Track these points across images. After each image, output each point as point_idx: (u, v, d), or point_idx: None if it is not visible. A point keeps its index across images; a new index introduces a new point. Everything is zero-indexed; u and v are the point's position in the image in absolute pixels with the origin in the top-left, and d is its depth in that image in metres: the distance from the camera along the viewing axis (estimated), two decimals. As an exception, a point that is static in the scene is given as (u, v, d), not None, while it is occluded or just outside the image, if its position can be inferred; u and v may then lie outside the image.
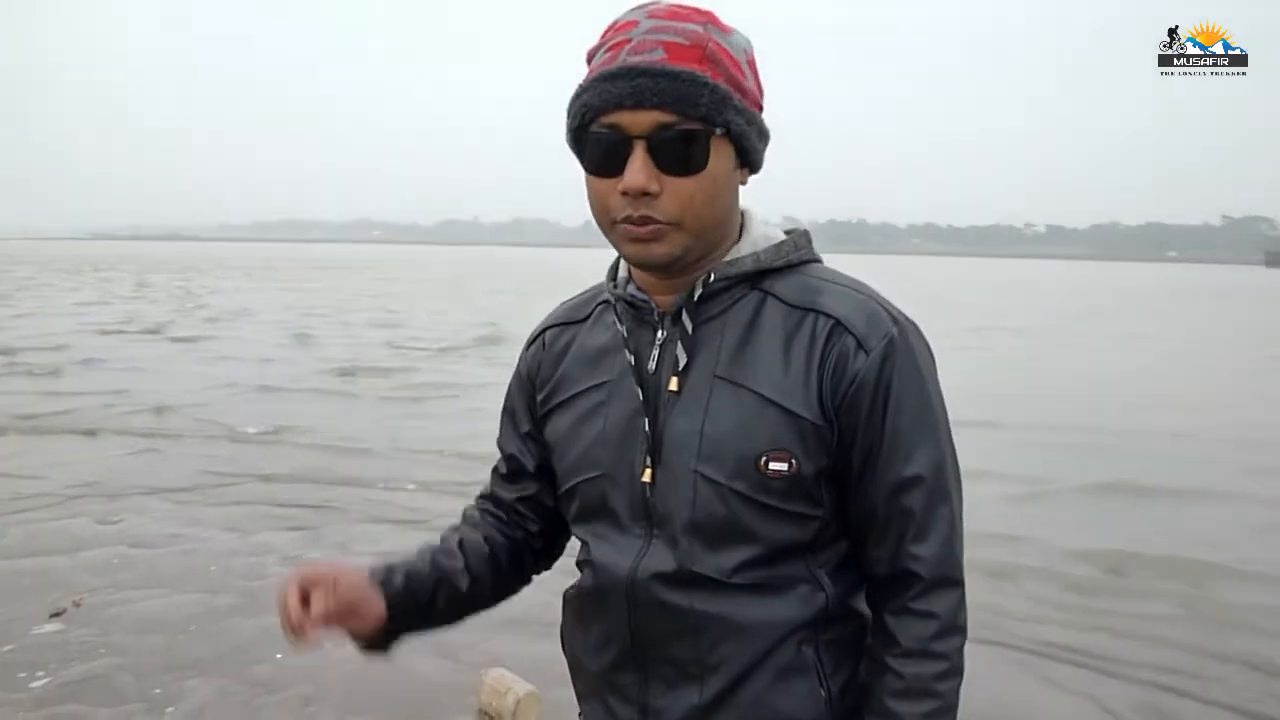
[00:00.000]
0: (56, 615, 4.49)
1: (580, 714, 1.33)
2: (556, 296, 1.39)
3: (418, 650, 4.13)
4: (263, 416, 9.49)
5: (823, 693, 1.15)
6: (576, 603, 1.28)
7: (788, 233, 1.22)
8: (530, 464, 1.32)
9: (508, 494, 1.36)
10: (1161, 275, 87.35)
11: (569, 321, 1.29)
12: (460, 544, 1.31)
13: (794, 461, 1.10)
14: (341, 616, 1.14)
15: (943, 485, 1.14)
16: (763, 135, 1.15)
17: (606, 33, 1.12)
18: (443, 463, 7.81)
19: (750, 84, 1.12)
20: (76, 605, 4.60)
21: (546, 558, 1.42)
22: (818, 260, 1.21)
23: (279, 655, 4.13)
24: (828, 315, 1.12)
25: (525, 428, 1.32)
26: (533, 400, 1.30)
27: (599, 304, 1.27)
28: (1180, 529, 6.60)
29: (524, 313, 24.08)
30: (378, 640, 1.24)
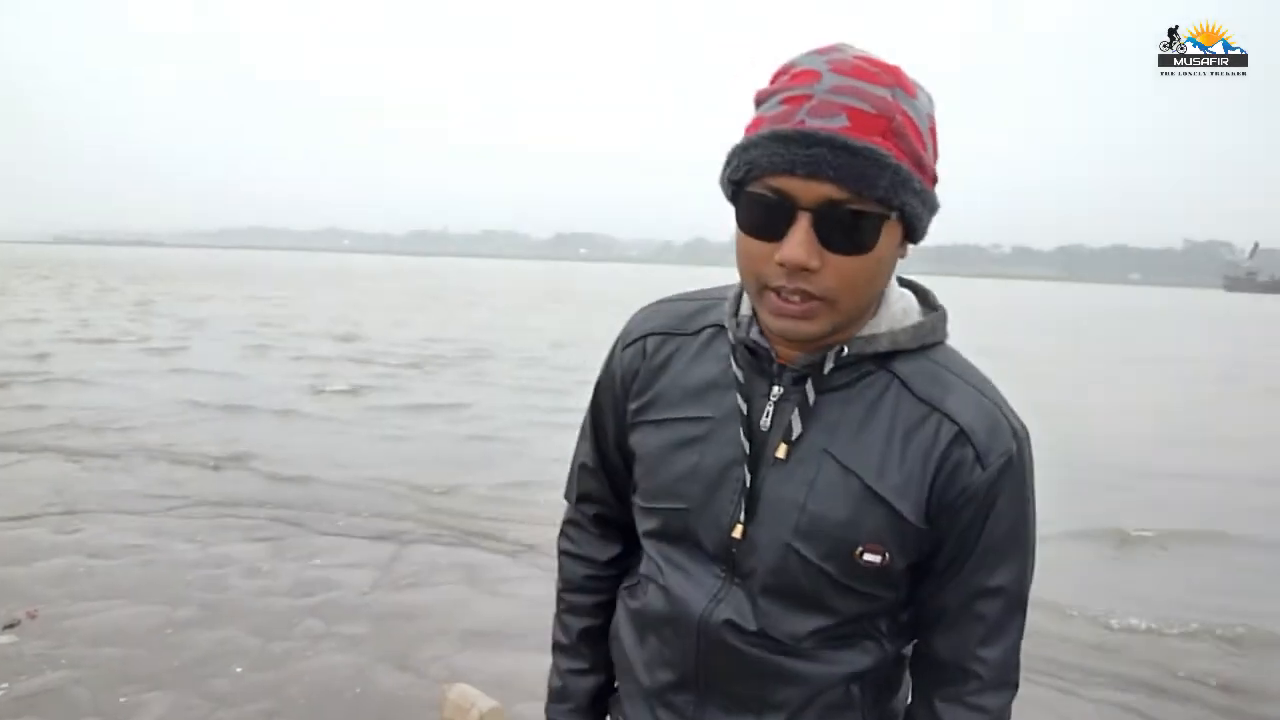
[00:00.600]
0: (10, 627, 4.40)
1: (617, 713, 1.36)
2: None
3: (381, 665, 4.16)
4: (222, 434, 9.36)
5: None
6: (640, 618, 1.27)
7: (925, 311, 1.17)
8: (619, 459, 1.31)
9: (601, 490, 1.36)
10: (1137, 298, 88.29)
11: (674, 332, 1.24)
12: (580, 638, 1.41)
13: (888, 555, 1.10)
14: None
15: (1020, 597, 1.15)
16: (933, 211, 1.07)
17: (781, 77, 1.04)
18: (392, 490, 7.72)
19: (929, 158, 1.05)
20: (31, 617, 4.51)
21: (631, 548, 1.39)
22: (945, 342, 1.17)
23: (239, 669, 4.07)
24: (952, 421, 1.09)
25: (612, 430, 1.30)
26: (623, 405, 1.27)
27: (710, 326, 1.21)
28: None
29: (504, 327, 24.11)
30: None
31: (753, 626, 1.14)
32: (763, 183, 1.01)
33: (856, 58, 1.01)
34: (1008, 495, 1.10)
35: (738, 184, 1.04)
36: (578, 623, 1.40)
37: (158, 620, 4.59)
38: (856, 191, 0.97)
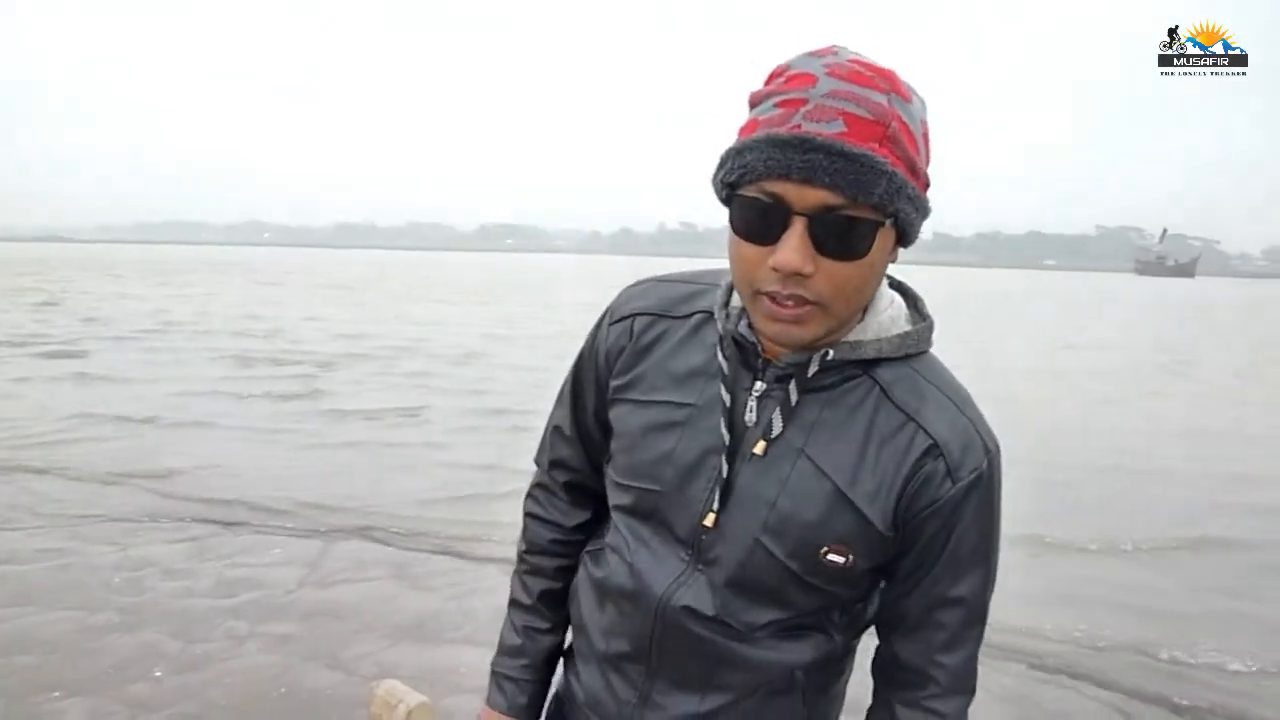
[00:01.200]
0: (-84, 637, 4.24)
1: (570, 669, 1.39)
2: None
3: (308, 664, 4.10)
4: (132, 448, 9.10)
5: (804, 710, 1.24)
6: (601, 587, 1.28)
7: (914, 319, 1.19)
8: (596, 431, 1.33)
9: (572, 457, 1.38)
10: (1054, 282, 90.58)
11: (663, 314, 1.24)
12: (541, 598, 1.41)
13: (851, 558, 1.13)
14: None
15: (981, 609, 1.18)
16: (926, 215, 1.08)
17: (776, 79, 1.04)
18: (316, 495, 7.60)
19: (923, 163, 1.06)
20: (-62, 626, 4.36)
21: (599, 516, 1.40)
22: (929, 351, 1.19)
23: (159, 673, 3.98)
24: (927, 433, 1.10)
25: (591, 401, 1.31)
26: (605, 380, 1.28)
27: (701, 311, 1.22)
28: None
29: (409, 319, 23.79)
30: None
31: (710, 612, 1.17)
32: (758, 186, 1.01)
33: (853, 61, 1.01)
34: (974, 510, 1.12)
35: (731, 186, 1.04)
36: (539, 584, 1.41)
37: (73, 625, 4.46)
38: (852, 198, 0.98)
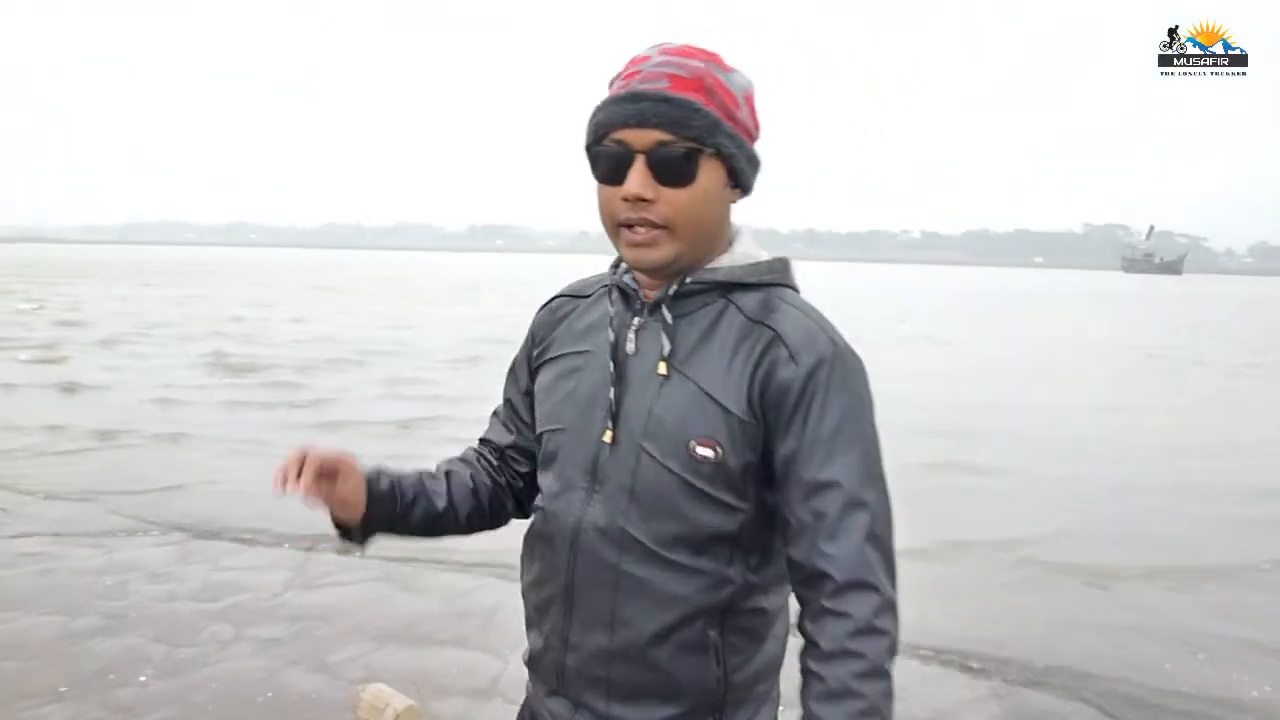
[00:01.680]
0: (-103, 644, 4.19)
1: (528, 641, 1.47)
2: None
3: (294, 667, 4.07)
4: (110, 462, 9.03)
5: (718, 672, 1.28)
6: (530, 542, 1.42)
7: (772, 257, 1.36)
8: (525, 413, 1.50)
9: (503, 439, 1.53)
10: (1044, 280, 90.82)
11: (574, 295, 1.47)
12: (447, 474, 1.49)
13: (719, 450, 1.24)
14: (328, 479, 1.33)
15: (856, 493, 1.21)
16: (752, 161, 1.31)
17: (626, 65, 1.29)
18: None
19: (744, 116, 1.29)
20: (-80, 632, 4.31)
21: (528, 503, 1.48)
22: (792, 288, 1.35)
23: (143, 678, 3.95)
24: (772, 330, 1.26)
25: (524, 381, 1.50)
26: (531, 354, 1.48)
27: (601, 287, 1.43)
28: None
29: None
30: (354, 531, 1.41)
31: (615, 525, 1.28)
32: (609, 139, 1.25)
33: (681, 45, 1.28)
34: (827, 392, 1.23)
35: (592, 145, 1.28)
36: (447, 465, 1.51)
37: (57, 630, 4.43)
38: (677, 133, 1.22)
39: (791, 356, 1.23)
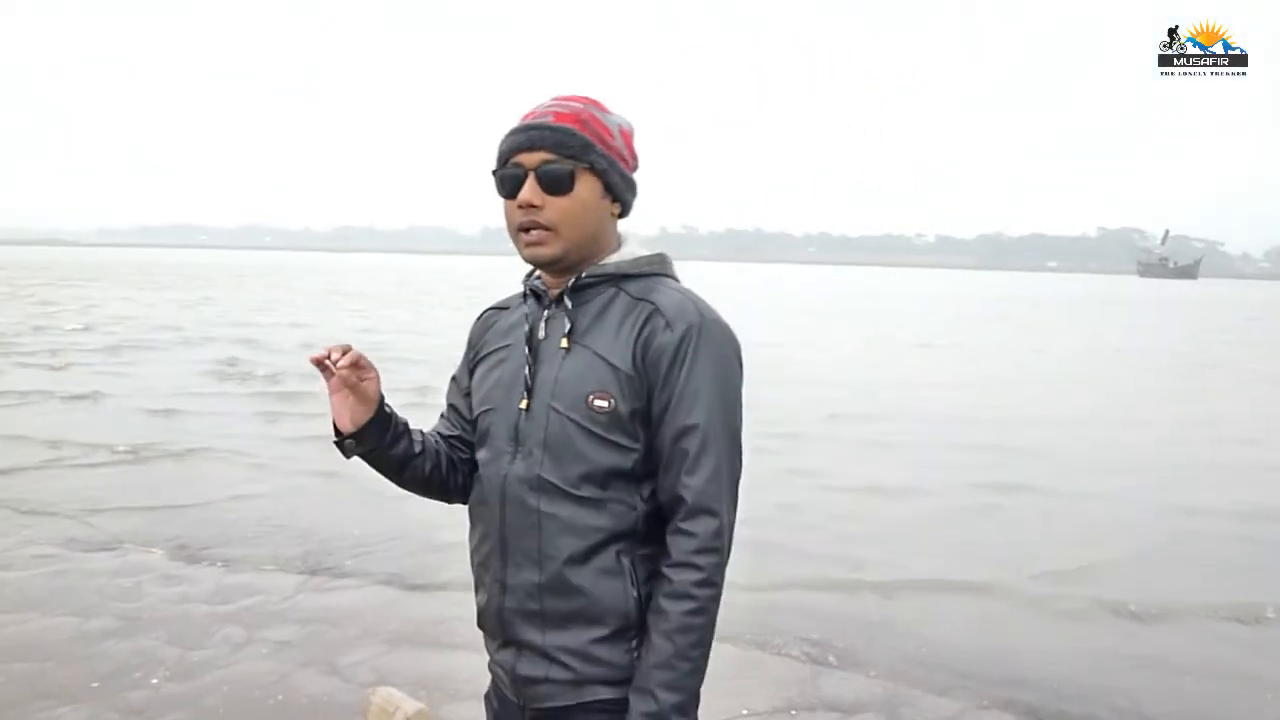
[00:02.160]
0: (-87, 644, 4.22)
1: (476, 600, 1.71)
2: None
3: (305, 670, 4.09)
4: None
5: (633, 592, 1.54)
6: (472, 509, 1.70)
7: (654, 254, 1.66)
8: (465, 412, 1.76)
9: (449, 431, 1.78)
10: (1061, 285, 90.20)
11: (502, 307, 1.76)
12: (423, 434, 1.75)
13: (612, 400, 1.52)
14: (350, 385, 1.58)
15: (713, 437, 1.51)
16: (627, 182, 1.62)
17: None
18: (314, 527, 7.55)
19: (618, 144, 1.59)
20: (-65, 633, 4.34)
21: (469, 486, 1.74)
22: (672, 277, 1.65)
23: (155, 680, 3.97)
24: (652, 304, 1.55)
25: (464, 383, 1.77)
26: (469, 358, 1.77)
27: (521, 295, 1.72)
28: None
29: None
30: (348, 441, 1.62)
31: (532, 473, 1.55)
32: (509, 163, 1.56)
33: (571, 94, 1.61)
34: (695, 353, 1.51)
35: (497, 169, 1.58)
36: (422, 431, 1.76)
37: (70, 632, 4.45)
38: (558, 153, 1.53)
39: (668, 325, 1.52)
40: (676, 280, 1.65)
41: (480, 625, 1.69)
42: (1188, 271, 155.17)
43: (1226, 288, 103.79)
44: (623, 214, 1.64)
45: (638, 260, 1.62)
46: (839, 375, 15.51)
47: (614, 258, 1.61)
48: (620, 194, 1.61)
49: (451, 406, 1.80)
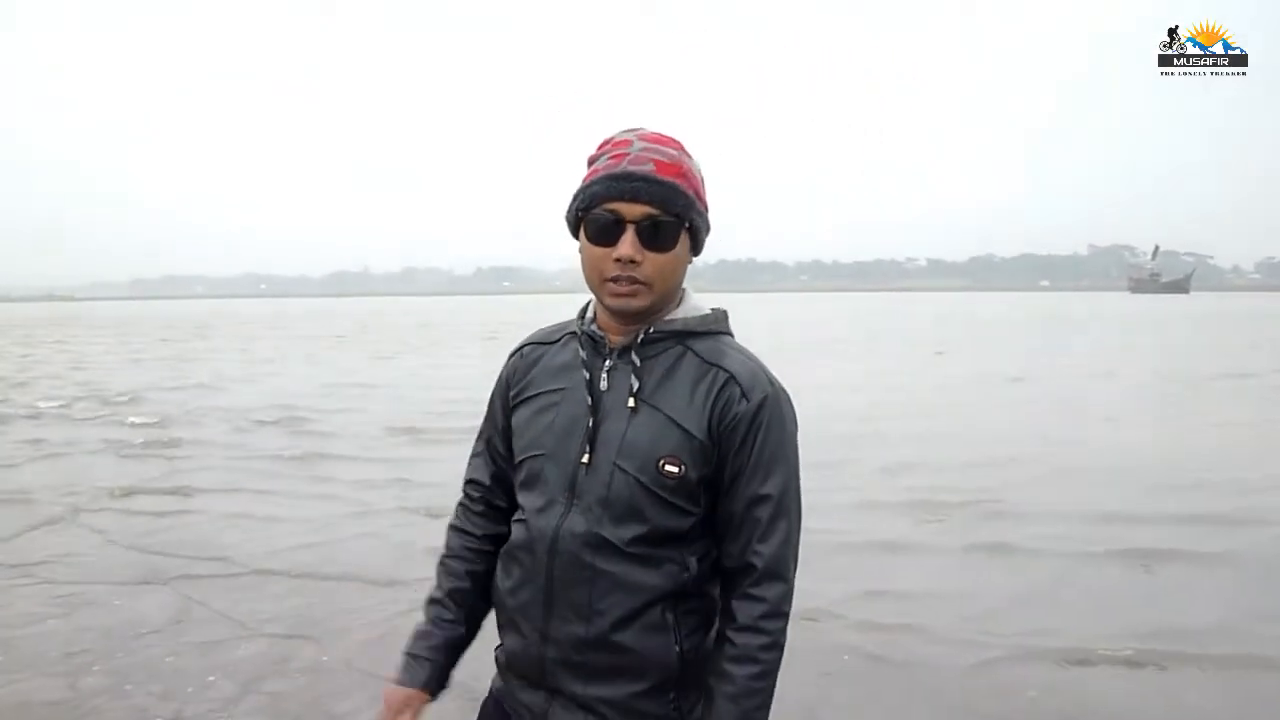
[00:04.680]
0: (-101, 710, 4.14)
1: (499, 644, 1.73)
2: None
3: (300, 722, 3.99)
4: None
5: (676, 648, 1.56)
6: (509, 554, 1.67)
7: (712, 309, 1.67)
8: (502, 446, 1.76)
9: (485, 475, 1.79)
10: (1063, 303, 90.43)
11: (542, 342, 1.74)
12: (450, 594, 1.78)
13: (683, 466, 1.53)
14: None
15: (785, 505, 1.57)
16: (709, 230, 1.64)
17: (605, 146, 1.60)
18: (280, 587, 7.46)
19: (704, 194, 1.62)
20: (-77, 697, 4.25)
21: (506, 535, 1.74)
22: (729, 334, 1.68)
23: (149, 737, 3.89)
24: (726, 370, 1.57)
25: (500, 420, 1.75)
26: (507, 396, 1.74)
27: (567, 334, 1.71)
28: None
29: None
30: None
31: (588, 529, 1.54)
32: (601, 208, 1.54)
33: (655, 133, 1.59)
34: (768, 424, 1.55)
35: (583, 210, 1.56)
36: (449, 582, 1.79)
37: (61, 692, 4.36)
38: (663, 208, 1.53)
39: (744, 395, 1.55)
40: (733, 336, 1.68)
41: (509, 667, 1.70)
42: (1179, 286, 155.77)
43: (1223, 300, 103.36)
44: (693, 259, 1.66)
45: (705, 319, 1.64)
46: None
47: (679, 313, 1.62)
48: (701, 245, 1.63)
49: (488, 442, 1.79)
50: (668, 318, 1.61)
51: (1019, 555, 6.62)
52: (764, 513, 1.54)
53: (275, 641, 5.01)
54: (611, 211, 1.52)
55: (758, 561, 1.54)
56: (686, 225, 1.56)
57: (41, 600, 5.69)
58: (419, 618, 1.81)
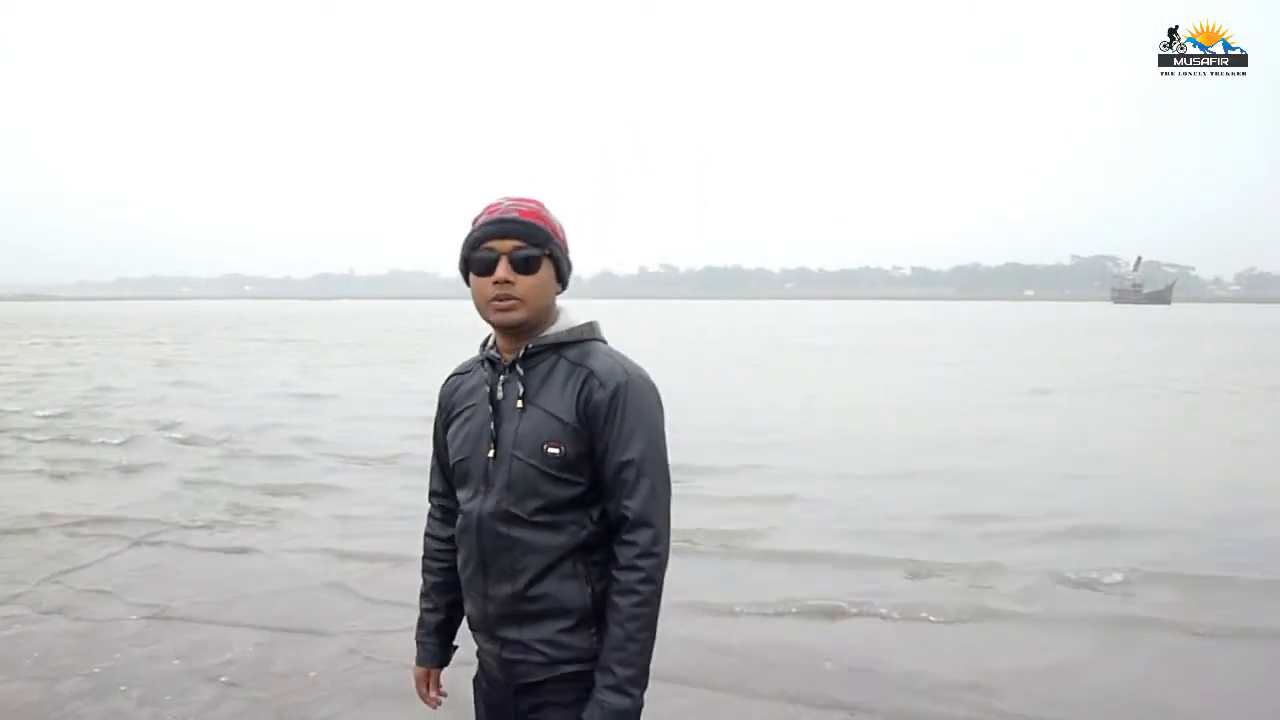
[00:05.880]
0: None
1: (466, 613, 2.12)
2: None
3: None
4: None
5: (588, 590, 1.94)
6: (458, 537, 2.06)
7: (584, 322, 2.03)
8: (445, 457, 2.14)
9: (441, 484, 2.21)
10: (1050, 313, 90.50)
11: (461, 372, 2.14)
12: (431, 588, 2.24)
13: (563, 447, 1.92)
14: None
15: (646, 468, 1.93)
16: (569, 266, 2.03)
17: (484, 210, 1.99)
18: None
19: (564, 236, 2.02)
20: (-100, 701, 4.24)
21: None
22: (601, 341, 2.04)
23: (127, 742, 3.90)
24: (587, 368, 1.95)
25: (440, 436, 2.16)
26: (443, 418, 2.15)
27: (478, 361, 2.08)
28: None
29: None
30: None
31: (499, 508, 1.95)
32: (482, 248, 1.95)
33: (521, 195, 2.00)
34: (624, 405, 1.92)
35: (470, 251, 1.97)
36: (429, 579, 2.25)
37: (39, 694, 4.38)
38: (528, 242, 1.93)
39: (601, 384, 1.92)
40: (604, 342, 2.04)
41: (470, 626, 2.10)
42: (1161, 297, 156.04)
43: (1205, 312, 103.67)
44: (561, 290, 2.03)
45: (573, 330, 2.01)
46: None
47: (553, 329, 2.00)
48: (564, 277, 2.02)
49: (437, 456, 2.21)
50: (544, 334, 1.98)
51: None
52: (629, 474, 1.91)
53: (258, 647, 5.03)
54: (490, 249, 1.93)
55: (628, 514, 1.90)
56: (548, 254, 1.95)
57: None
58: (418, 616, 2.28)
